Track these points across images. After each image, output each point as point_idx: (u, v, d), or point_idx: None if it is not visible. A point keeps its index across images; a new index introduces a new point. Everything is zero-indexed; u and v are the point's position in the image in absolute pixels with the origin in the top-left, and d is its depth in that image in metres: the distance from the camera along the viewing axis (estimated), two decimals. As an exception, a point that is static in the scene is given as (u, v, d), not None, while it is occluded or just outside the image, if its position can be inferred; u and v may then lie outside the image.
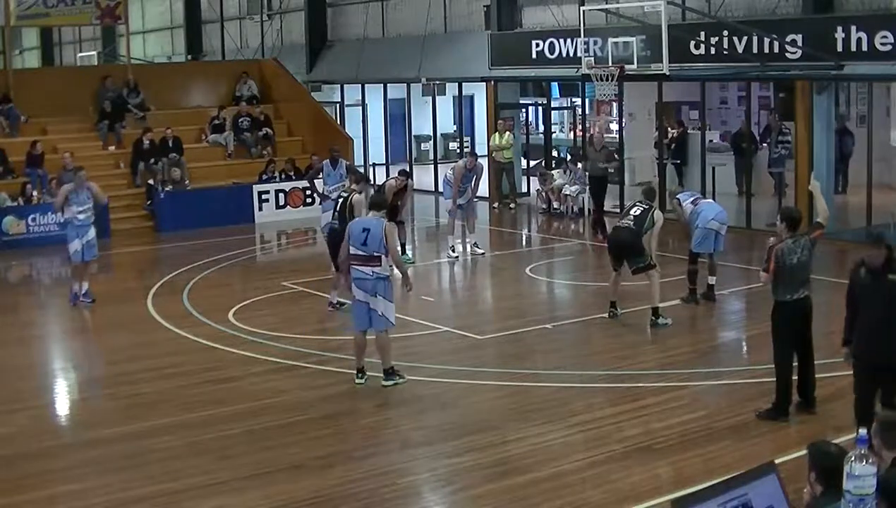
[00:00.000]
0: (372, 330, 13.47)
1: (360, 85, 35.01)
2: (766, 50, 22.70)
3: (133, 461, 11.26)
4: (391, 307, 13.33)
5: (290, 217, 27.88)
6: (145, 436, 11.99)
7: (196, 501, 10.22)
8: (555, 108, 33.75)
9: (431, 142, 35.03)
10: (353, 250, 13.24)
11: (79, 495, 10.51)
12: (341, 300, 17.11)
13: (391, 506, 10.16)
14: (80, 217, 18.53)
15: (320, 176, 22.02)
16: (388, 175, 32.33)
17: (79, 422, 13.13)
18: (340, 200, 16.94)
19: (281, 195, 28.45)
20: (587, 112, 32.13)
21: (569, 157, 28.39)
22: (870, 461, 4.93)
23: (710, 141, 27.05)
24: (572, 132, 32.65)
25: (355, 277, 13.27)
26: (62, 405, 14.09)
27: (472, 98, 35.43)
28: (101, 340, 17.03)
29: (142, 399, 13.47)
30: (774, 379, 11.88)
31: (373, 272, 13.14)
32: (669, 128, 28.32)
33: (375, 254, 13.08)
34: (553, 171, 28.63)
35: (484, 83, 30.70)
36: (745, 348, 15.64)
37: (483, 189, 30.59)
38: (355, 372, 13.60)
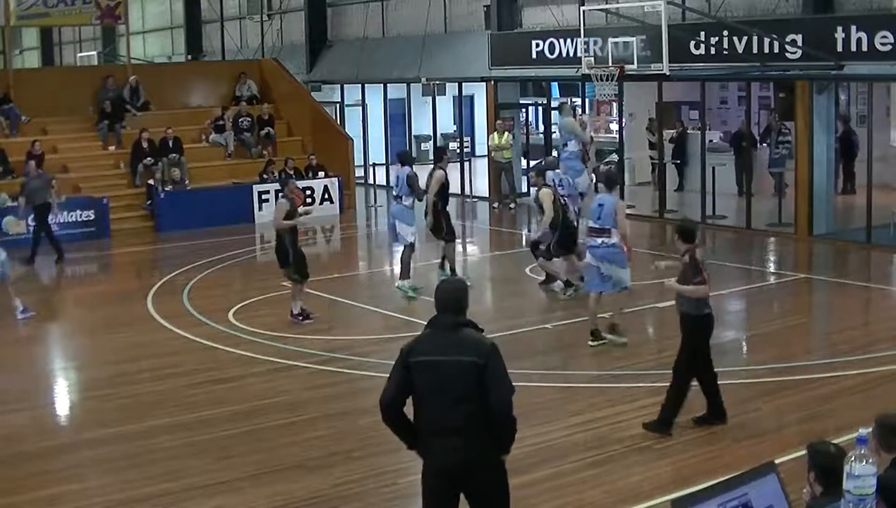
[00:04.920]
0: (606, 291, 15.15)
1: (360, 85, 35.04)
2: (766, 50, 22.70)
3: (133, 461, 11.27)
4: (623, 272, 15.03)
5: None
6: (145, 436, 12.00)
7: (196, 501, 10.23)
8: (555, 108, 33.70)
9: (431, 142, 35.01)
10: (590, 223, 15.13)
11: (79, 495, 10.52)
12: (305, 309, 16.97)
13: (391, 506, 10.17)
14: None
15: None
16: (387, 175, 32.38)
17: (79, 422, 13.14)
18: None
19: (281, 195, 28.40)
20: (587, 112, 32.13)
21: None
22: (869, 461, 4.93)
23: (710, 141, 27.07)
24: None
25: (590, 245, 15.04)
26: (62, 405, 14.09)
27: (472, 98, 35.46)
28: (101, 340, 17.02)
29: (142, 399, 13.49)
30: (687, 389, 11.72)
31: (602, 242, 14.89)
32: (666, 130, 28.27)
33: (606, 226, 14.84)
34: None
35: (484, 83, 30.71)
36: (744, 348, 15.63)
37: (482, 188, 30.77)
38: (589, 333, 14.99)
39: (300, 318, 16.80)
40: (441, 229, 18.97)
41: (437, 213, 18.82)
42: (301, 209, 17.42)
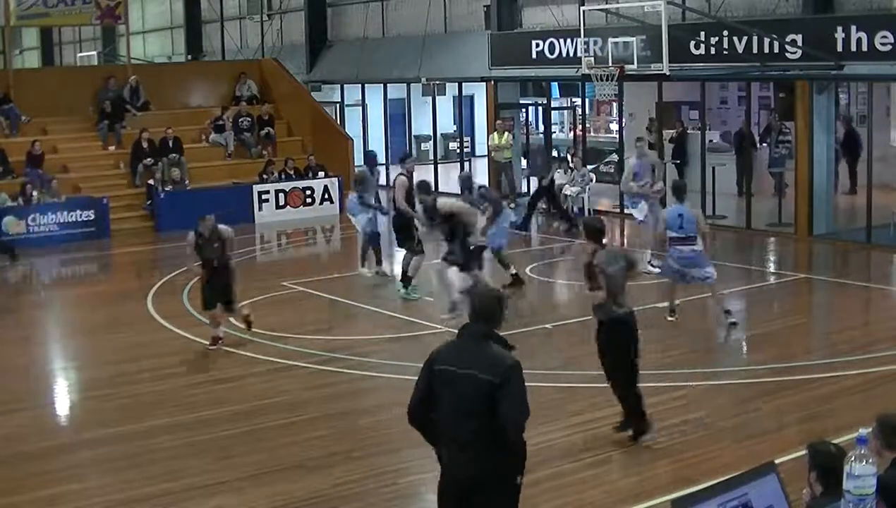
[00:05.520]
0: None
1: (360, 85, 35.04)
2: (766, 50, 22.70)
3: (133, 461, 11.27)
4: (708, 268, 15.76)
5: (289, 217, 27.88)
6: (145, 436, 12.00)
7: (196, 501, 10.23)
8: (555, 108, 33.76)
9: (431, 142, 35.03)
10: (671, 234, 15.50)
11: (79, 495, 10.52)
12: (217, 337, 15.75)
13: (391, 506, 10.17)
14: None
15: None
16: (388, 175, 32.32)
17: (79, 422, 13.14)
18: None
19: (281, 195, 28.46)
20: (587, 112, 32.15)
21: (569, 158, 28.39)
22: (870, 461, 4.93)
23: (710, 141, 27.06)
24: (572, 132, 32.69)
25: (678, 256, 15.54)
26: (62, 405, 14.09)
27: (472, 98, 35.46)
28: (101, 340, 17.02)
29: (142, 399, 13.48)
30: (621, 401, 11.49)
31: (692, 250, 15.51)
32: (665, 130, 28.25)
33: (691, 234, 15.41)
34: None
35: (484, 83, 30.70)
36: (744, 348, 15.63)
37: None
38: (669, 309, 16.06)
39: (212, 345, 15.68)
40: (410, 239, 18.49)
41: (402, 220, 18.59)
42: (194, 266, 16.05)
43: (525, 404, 6.94)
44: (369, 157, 22.01)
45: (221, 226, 15.78)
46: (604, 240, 11.35)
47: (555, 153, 31.84)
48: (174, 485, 10.55)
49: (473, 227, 16.69)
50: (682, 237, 15.40)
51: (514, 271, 18.69)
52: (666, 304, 16.36)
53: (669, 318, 16.10)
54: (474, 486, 7.05)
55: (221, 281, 15.76)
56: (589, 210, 26.92)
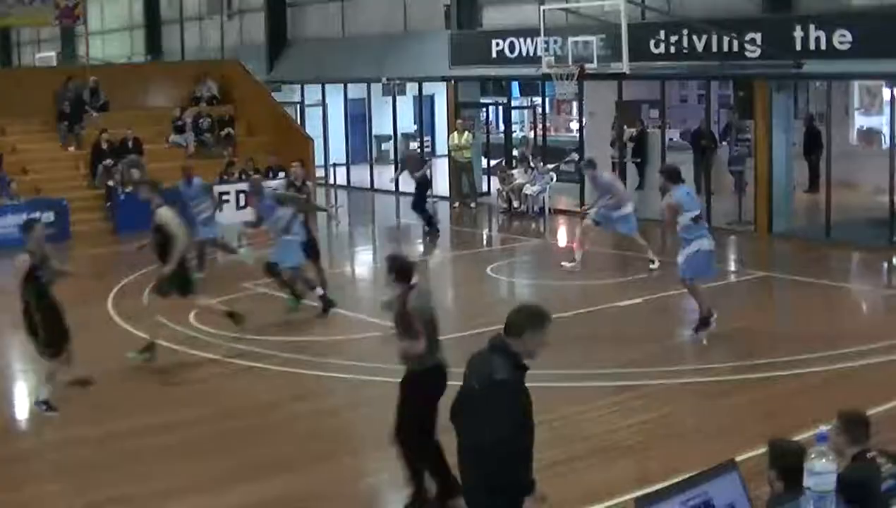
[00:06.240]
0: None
1: (320, 85, 34.98)
2: (726, 49, 22.85)
3: (98, 464, 11.19)
4: None
5: (250, 217, 27.69)
6: (110, 439, 11.90)
7: (172, 502, 10.21)
8: (515, 108, 33.84)
9: (392, 141, 35.01)
10: (693, 213, 14.87)
11: (41, 500, 10.44)
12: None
13: (388, 506, 10.18)
14: None
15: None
16: (348, 175, 32.37)
17: (44, 426, 12.99)
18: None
19: (241, 196, 28.31)
20: (547, 111, 32.22)
21: (530, 157, 28.43)
22: (830, 458, 4.98)
23: (671, 139, 27.18)
24: (532, 131, 32.77)
25: (705, 234, 15.06)
26: (23, 408, 13.95)
27: (432, 98, 35.47)
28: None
29: (107, 401, 13.34)
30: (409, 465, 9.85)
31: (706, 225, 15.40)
32: (626, 128, 28.35)
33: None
34: (513, 170, 28.69)
35: (444, 83, 30.72)
36: (705, 346, 15.69)
37: (443, 188, 30.72)
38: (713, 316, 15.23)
39: (44, 408, 12.97)
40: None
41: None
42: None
43: (497, 424, 6.65)
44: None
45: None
46: (413, 281, 9.63)
47: (515, 152, 31.88)
48: (140, 488, 10.49)
49: (173, 249, 14.86)
50: (699, 215, 15.19)
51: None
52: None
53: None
54: (468, 498, 7.11)
55: (56, 318, 13.44)
56: (550, 209, 27.00)
